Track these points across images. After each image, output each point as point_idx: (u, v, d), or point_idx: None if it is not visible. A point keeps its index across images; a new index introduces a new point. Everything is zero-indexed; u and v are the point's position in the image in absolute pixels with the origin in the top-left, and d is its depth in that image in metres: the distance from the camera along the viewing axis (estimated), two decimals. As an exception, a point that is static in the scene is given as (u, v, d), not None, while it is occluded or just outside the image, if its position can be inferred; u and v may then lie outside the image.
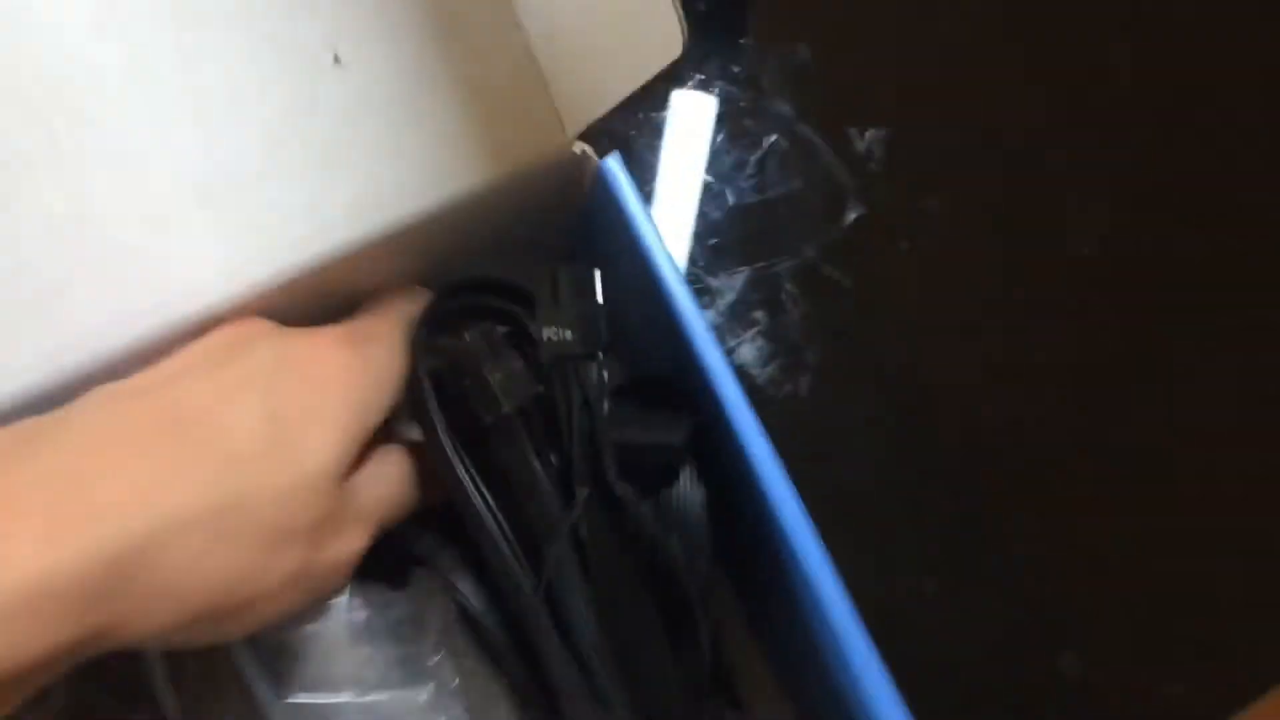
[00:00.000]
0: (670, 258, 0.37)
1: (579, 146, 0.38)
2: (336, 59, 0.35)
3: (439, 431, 0.34)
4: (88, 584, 0.24)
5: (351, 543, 0.32)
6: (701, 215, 0.55)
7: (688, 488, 0.38)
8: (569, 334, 0.36)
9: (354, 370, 0.33)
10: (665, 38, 0.26)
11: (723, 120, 0.56)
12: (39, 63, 0.33)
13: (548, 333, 0.36)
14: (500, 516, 0.34)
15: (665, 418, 0.38)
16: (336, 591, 0.35)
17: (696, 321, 0.37)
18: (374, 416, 0.33)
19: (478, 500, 0.34)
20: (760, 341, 0.53)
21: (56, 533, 0.24)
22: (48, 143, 0.33)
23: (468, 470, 0.34)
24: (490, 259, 0.45)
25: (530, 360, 0.35)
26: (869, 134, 0.57)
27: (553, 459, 0.36)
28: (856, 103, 0.57)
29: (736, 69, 0.57)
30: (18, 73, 0.32)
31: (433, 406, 0.34)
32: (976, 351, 0.54)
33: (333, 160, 0.35)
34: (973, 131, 0.57)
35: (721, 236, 0.54)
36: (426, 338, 0.36)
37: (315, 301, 0.38)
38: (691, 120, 0.56)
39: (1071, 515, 0.53)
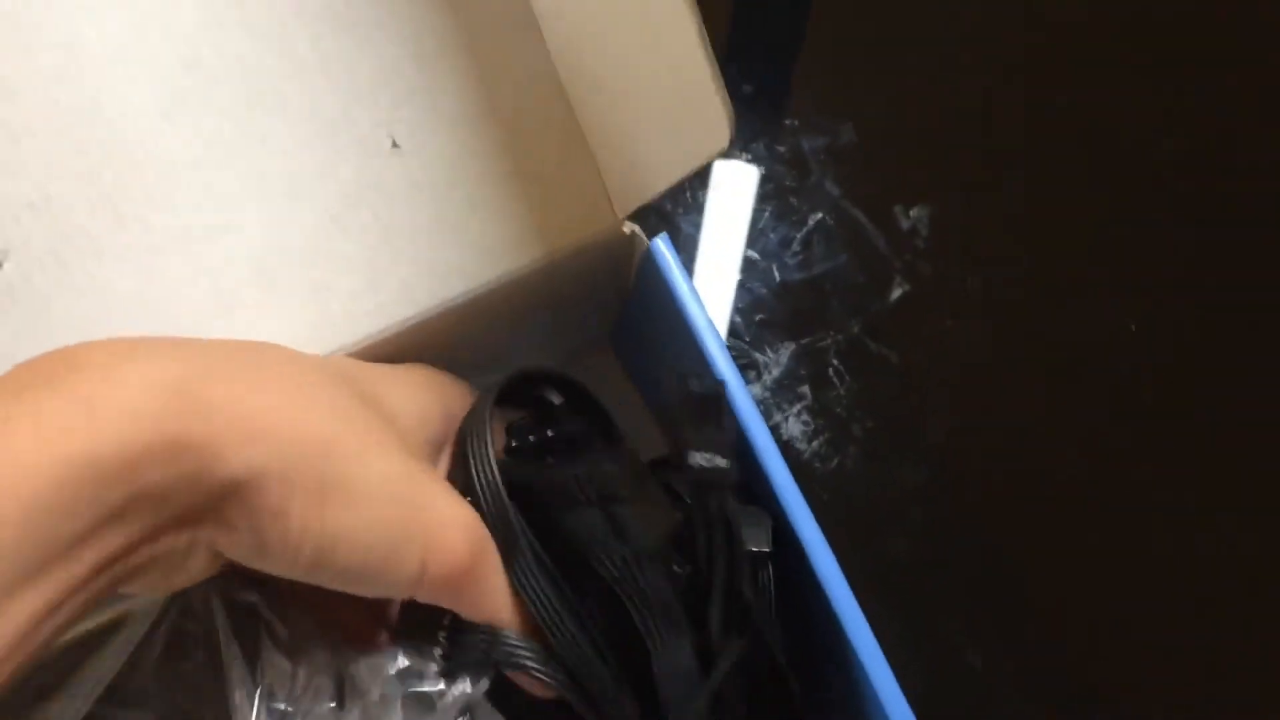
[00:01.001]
0: (719, 338, 0.38)
1: (628, 227, 0.39)
2: (394, 144, 0.36)
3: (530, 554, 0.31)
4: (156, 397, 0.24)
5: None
6: (748, 291, 0.55)
7: (770, 589, 0.35)
8: (723, 461, 0.33)
9: None
10: (713, 125, 0.27)
11: (769, 198, 0.57)
12: (109, 148, 0.34)
13: (698, 458, 0.33)
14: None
15: (749, 515, 0.36)
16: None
17: (744, 400, 0.37)
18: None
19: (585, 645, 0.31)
20: (806, 416, 0.53)
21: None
22: (115, 224, 0.34)
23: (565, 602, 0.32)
24: (540, 337, 0.46)
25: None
26: (914, 212, 0.57)
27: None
28: (901, 181, 0.58)
29: (782, 148, 0.58)
30: (88, 156, 0.34)
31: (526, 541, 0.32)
32: (1021, 425, 0.54)
33: (389, 241, 0.36)
34: (1017, 210, 0.57)
35: (768, 312, 0.55)
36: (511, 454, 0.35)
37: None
38: (733, 196, 0.57)
39: (1117, 587, 0.52)
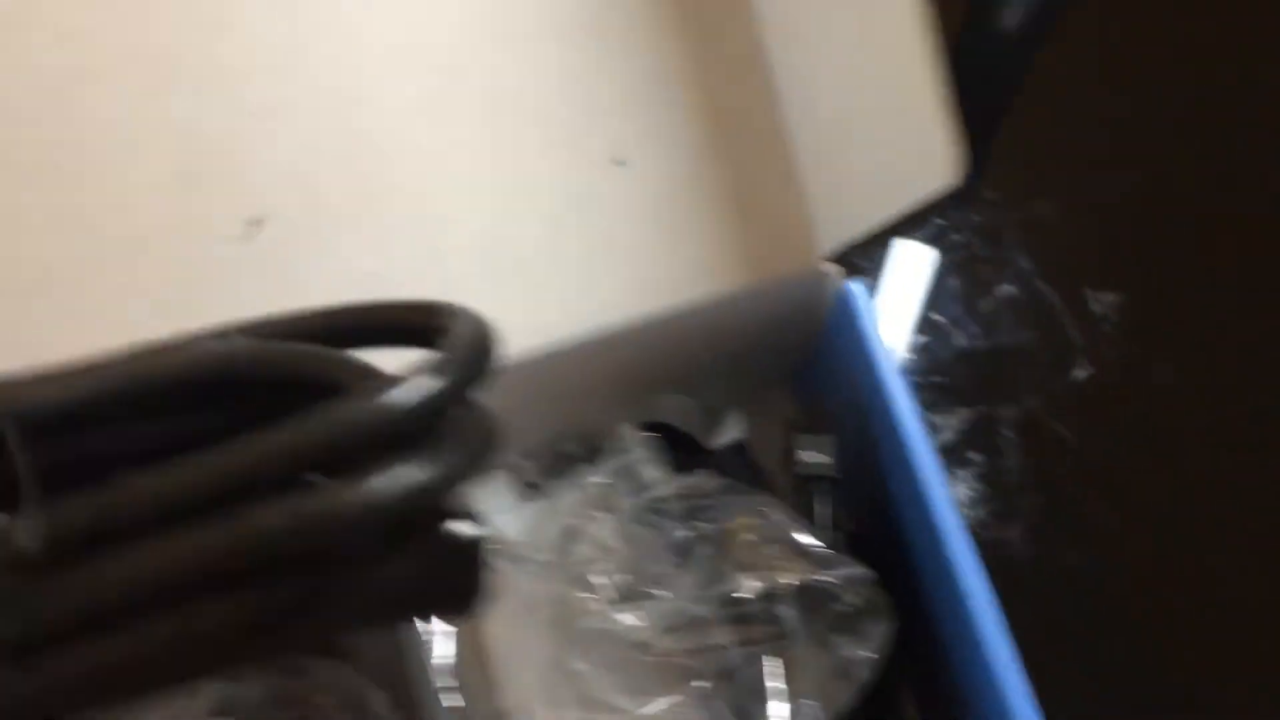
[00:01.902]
0: (905, 386, 0.39)
1: (827, 267, 0.40)
2: (618, 160, 0.38)
3: None
4: None
5: None
6: (928, 352, 0.56)
7: None
8: (825, 458, 0.39)
9: None
10: (937, 162, 0.28)
11: (959, 265, 0.58)
12: (367, 135, 0.37)
13: (804, 455, 0.39)
14: None
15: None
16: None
17: (926, 453, 0.37)
18: None
19: None
20: (974, 483, 0.53)
21: None
22: (364, 204, 0.37)
23: None
24: (724, 366, 0.47)
25: None
26: (1106, 297, 0.57)
27: None
28: (1095, 264, 0.58)
29: (978, 218, 0.59)
30: (347, 140, 0.37)
31: None
32: (1193, 526, 0.53)
33: (603, 251, 0.39)
34: (1212, 305, 0.57)
35: (945, 375, 0.55)
36: None
37: (563, 380, 0.42)
38: (919, 259, 0.58)
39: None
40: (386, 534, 0.17)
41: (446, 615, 0.24)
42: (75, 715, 0.16)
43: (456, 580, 0.19)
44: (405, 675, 0.37)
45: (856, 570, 0.33)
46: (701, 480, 0.36)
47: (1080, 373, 0.55)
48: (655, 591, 0.34)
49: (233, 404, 0.19)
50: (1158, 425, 0.55)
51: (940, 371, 0.56)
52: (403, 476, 0.17)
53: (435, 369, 0.18)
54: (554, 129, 0.38)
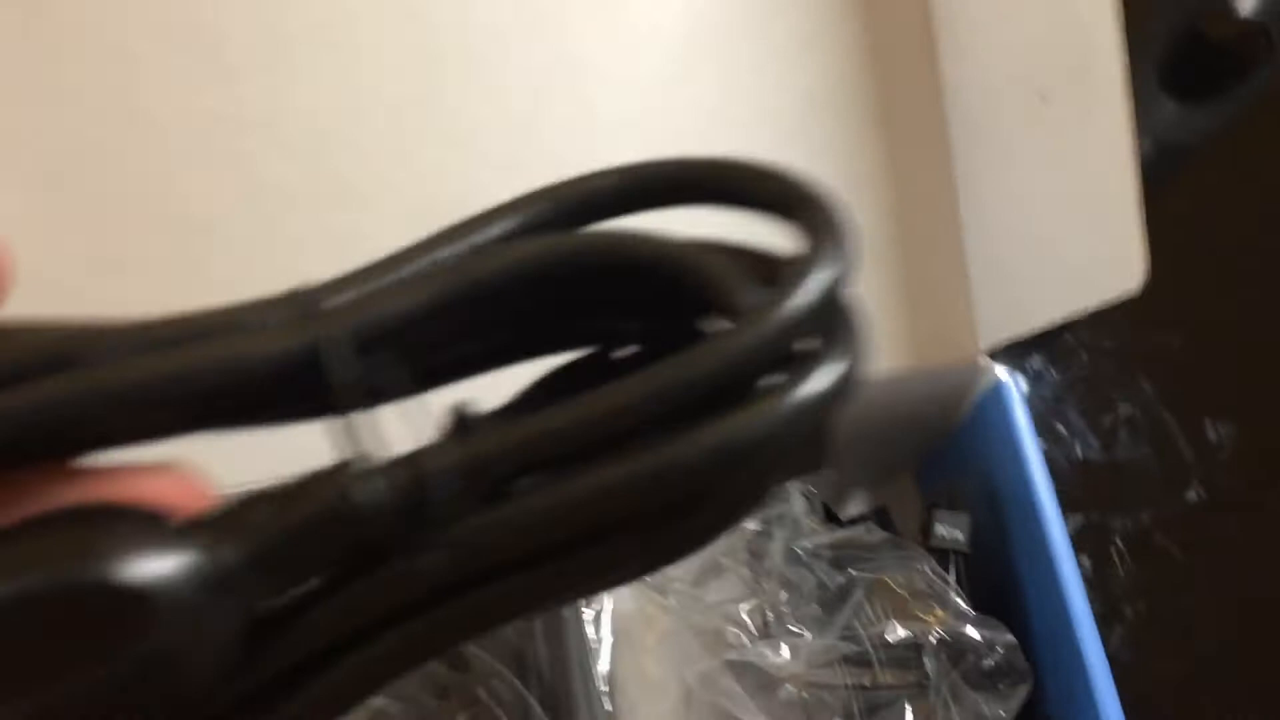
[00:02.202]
0: (1049, 483, 0.42)
1: (984, 360, 0.44)
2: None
3: None
4: None
5: None
6: (1049, 459, 0.59)
7: None
8: (960, 535, 0.42)
9: None
10: (1123, 262, 0.31)
11: (1085, 381, 0.61)
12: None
13: (941, 529, 0.42)
14: None
15: None
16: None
17: (1062, 544, 0.41)
18: None
19: None
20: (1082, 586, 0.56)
21: None
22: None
23: None
24: (859, 446, 0.51)
25: None
26: (1222, 427, 0.60)
27: None
28: (1215, 395, 0.61)
29: (1108, 343, 0.62)
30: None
31: None
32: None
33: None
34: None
35: (1062, 482, 0.58)
36: None
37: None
38: (1049, 370, 0.61)
39: None
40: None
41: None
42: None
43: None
44: (563, 679, 0.41)
45: (1001, 632, 0.36)
46: (861, 533, 0.39)
47: (1192, 494, 0.58)
48: (801, 630, 0.38)
49: (570, 306, 0.17)
50: (1265, 551, 0.57)
51: (1058, 478, 0.58)
52: (825, 377, 0.15)
53: (821, 256, 0.16)
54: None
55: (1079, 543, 0.57)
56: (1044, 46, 0.35)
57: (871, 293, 0.43)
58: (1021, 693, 0.36)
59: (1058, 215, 0.37)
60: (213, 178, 0.39)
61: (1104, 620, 0.55)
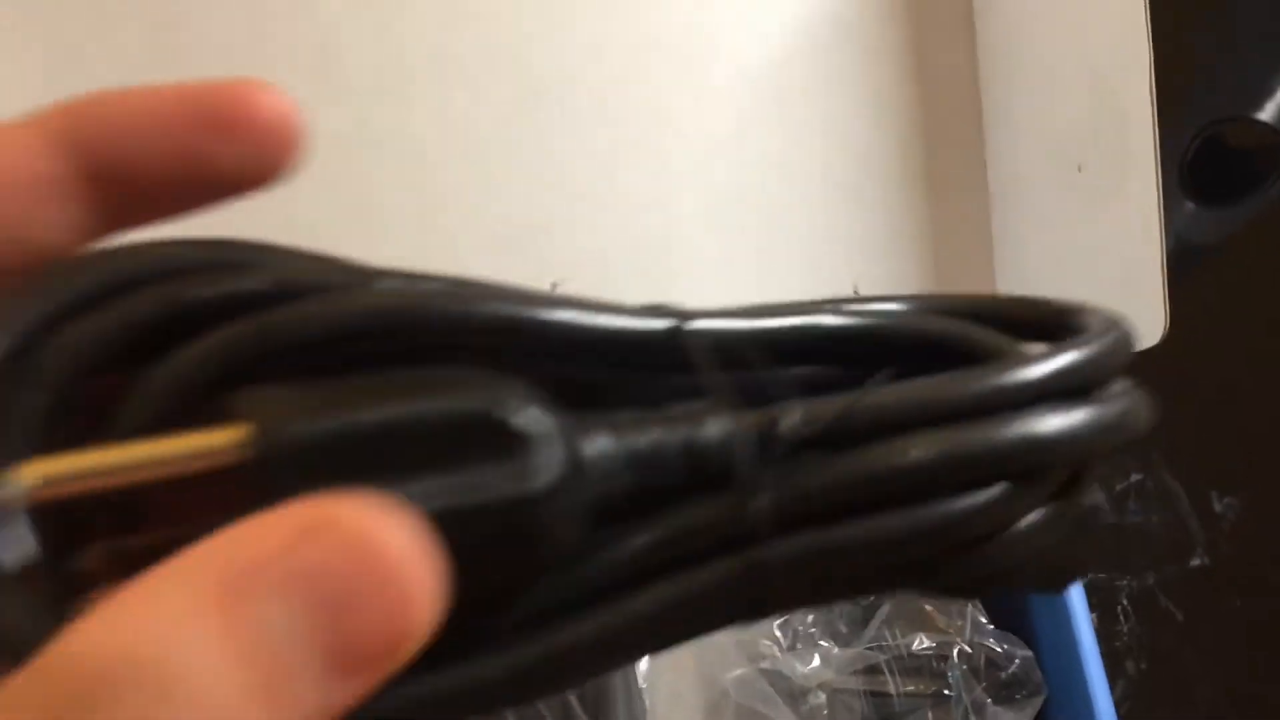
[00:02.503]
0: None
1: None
2: (856, 291, 0.47)
3: None
4: None
5: None
6: (1061, 517, 0.62)
7: None
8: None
9: None
10: (1147, 322, 0.35)
11: (1099, 447, 0.64)
12: (658, 234, 0.46)
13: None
14: None
15: None
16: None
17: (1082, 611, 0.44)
18: None
19: None
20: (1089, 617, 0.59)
21: None
22: (648, 286, 0.46)
23: None
24: None
25: None
26: (1227, 500, 0.63)
27: None
28: (1222, 469, 0.64)
29: (1120, 411, 0.65)
30: (644, 232, 0.46)
31: None
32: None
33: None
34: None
35: (1074, 541, 0.61)
36: None
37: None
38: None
39: None
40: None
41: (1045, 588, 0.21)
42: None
43: (1071, 550, 0.19)
44: (604, 681, 0.44)
45: (1018, 646, 0.39)
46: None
47: (1197, 561, 0.61)
48: (830, 644, 0.41)
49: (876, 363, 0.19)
50: (1265, 619, 0.60)
51: (1070, 536, 0.62)
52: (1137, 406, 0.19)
53: (1083, 342, 0.18)
54: (813, 258, 0.46)
55: (1089, 598, 0.60)
56: (1083, 124, 0.39)
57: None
58: (1036, 704, 0.39)
59: (1087, 274, 0.40)
60: (325, 190, 0.43)
61: (1108, 674, 0.58)
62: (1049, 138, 0.41)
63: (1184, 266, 0.73)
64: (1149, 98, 0.34)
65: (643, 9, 0.45)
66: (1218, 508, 0.63)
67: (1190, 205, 0.73)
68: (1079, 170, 0.39)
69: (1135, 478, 0.64)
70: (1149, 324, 0.34)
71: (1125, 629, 0.59)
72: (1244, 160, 0.75)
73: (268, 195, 0.44)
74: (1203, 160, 0.73)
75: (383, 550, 0.13)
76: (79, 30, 0.45)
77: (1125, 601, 0.60)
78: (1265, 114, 0.73)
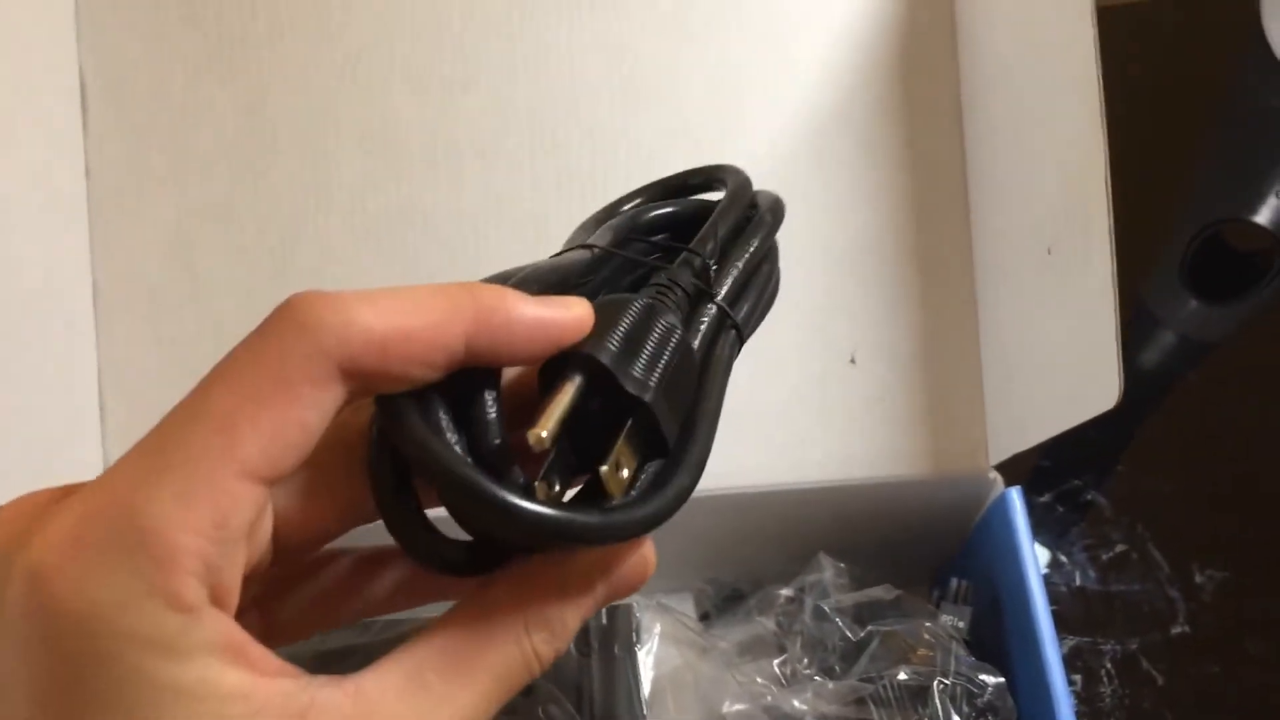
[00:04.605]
0: (1044, 588, 0.48)
1: (993, 473, 0.51)
2: (852, 359, 0.51)
3: None
4: None
5: None
6: (1049, 583, 0.66)
7: None
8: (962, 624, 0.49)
9: None
10: (1104, 387, 0.39)
11: (1089, 520, 0.69)
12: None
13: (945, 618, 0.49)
14: None
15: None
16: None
17: (1052, 648, 0.47)
18: None
19: None
20: (1074, 701, 0.62)
21: None
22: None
23: None
24: (869, 551, 0.57)
25: None
26: (1208, 572, 0.66)
27: None
28: (1204, 545, 0.68)
29: (1111, 488, 0.70)
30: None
31: None
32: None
33: (825, 423, 0.51)
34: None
35: (1061, 605, 0.65)
36: None
37: (760, 520, 0.53)
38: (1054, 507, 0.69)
39: None
40: None
41: None
42: None
43: None
44: (612, 711, 0.47)
45: (993, 674, 0.43)
46: (880, 593, 0.47)
47: (1177, 629, 0.65)
48: (824, 679, 0.45)
49: None
50: (1242, 686, 0.63)
51: (1057, 601, 0.65)
52: None
53: None
54: (816, 326, 0.51)
55: (1073, 661, 0.64)
56: (1052, 207, 0.44)
57: (902, 407, 0.51)
58: (1007, 730, 0.43)
59: (1055, 343, 0.45)
60: (378, 257, 0.48)
61: (1091, 732, 0.61)
62: (1025, 223, 0.46)
63: (1188, 360, 0.78)
64: (1104, 191, 0.38)
65: (666, 105, 0.51)
66: (1199, 579, 0.67)
67: (1194, 303, 0.78)
68: (1049, 252, 0.44)
69: (1120, 548, 0.68)
70: (1105, 389, 0.39)
71: (1108, 690, 0.63)
72: (1244, 261, 0.80)
73: (333, 263, 0.49)
74: (1205, 261, 0.78)
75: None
76: (163, 106, 0.51)
77: (1109, 664, 0.64)
78: (1260, 217, 0.78)
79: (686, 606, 0.57)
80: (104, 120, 0.50)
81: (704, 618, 0.57)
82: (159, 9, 0.50)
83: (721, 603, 0.57)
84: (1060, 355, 0.44)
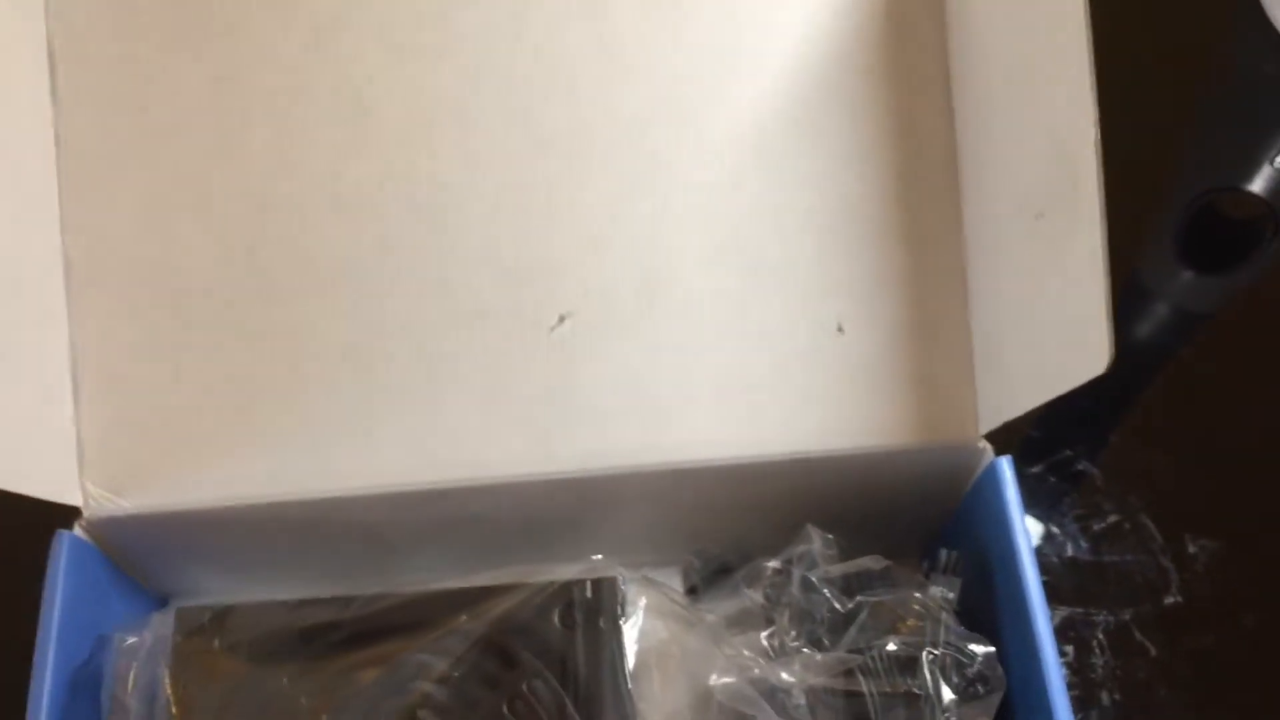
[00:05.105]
0: (1035, 562, 0.48)
1: (982, 442, 0.51)
2: (840, 328, 0.50)
3: None
4: None
5: None
6: (1041, 555, 0.65)
7: None
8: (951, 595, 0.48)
9: None
10: (1094, 352, 0.39)
11: (1080, 490, 0.68)
12: (662, 274, 0.50)
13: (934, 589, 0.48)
14: None
15: None
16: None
17: (1044, 620, 0.46)
18: None
19: None
20: (1065, 672, 0.61)
21: None
22: (646, 322, 0.50)
23: None
24: (853, 522, 0.56)
25: None
26: (1201, 542, 0.66)
27: None
28: (1197, 516, 0.67)
29: (1103, 459, 0.69)
30: (650, 271, 0.50)
31: None
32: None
33: (812, 393, 0.50)
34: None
35: (1052, 576, 0.65)
36: None
37: (744, 492, 0.52)
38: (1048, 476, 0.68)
39: None
40: None
41: None
42: None
43: None
44: (597, 685, 0.47)
45: (982, 644, 0.43)
46: (869, 563, 0.46)
47: (1170, 599, 0.64)
48: (812, 651, 0.44)
49: None
50: (1235, 657, 0.63)
51: (1048, 572, 0.65)
52: None
53: None
54: (801, 296, 0.50)
55: (1064, 632, 0.63)
56: (1042, 177, 0.43)
57: (890, 376, 0.51)
58: (997, 699, 0.42)
59: (1046, 312, 0.44)
60: (352, 227, 0.47)
61: (1081, 704, 0.61)
62: (1014, 189, 0.46)
63: (1183, 333, 0.77)
64: (1094, 155, 0.38)
65: (648, 72, 0.50)
66: (1191, 549, 0.66)
67: (1188, 273, 0.77)
68: (1038, 218, 0.43)
69: (1112, 519, 0.67)
70: (1096, 353, 0.38)
71: (1100, 662, 0.62)
72: (1238, 230, 0.79)
73: (302, 228, 0.48)
74: (1199, 231, 0.77)
75: None
76: (134, 76, 0.50)
77: (1101, 635, 0.63)
78: (1255, 186, 0.77)
79: (673, 580, 0.56)
80: (73, 89, 0.49)
81: (691, 591, 0.56)
82: (130, -28, 0.49)
83: (710, 575, 0.56)
84: (1050, 321, 0.44)
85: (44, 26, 0.49)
